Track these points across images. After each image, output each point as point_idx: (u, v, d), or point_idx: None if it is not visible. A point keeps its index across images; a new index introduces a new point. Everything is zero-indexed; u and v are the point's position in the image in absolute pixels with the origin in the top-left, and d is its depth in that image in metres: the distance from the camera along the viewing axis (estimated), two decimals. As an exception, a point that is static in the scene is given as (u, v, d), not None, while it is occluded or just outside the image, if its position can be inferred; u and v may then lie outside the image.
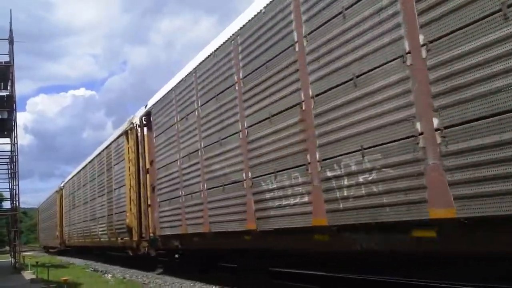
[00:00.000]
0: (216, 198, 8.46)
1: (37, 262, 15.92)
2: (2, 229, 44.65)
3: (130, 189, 13.69)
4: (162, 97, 11.26)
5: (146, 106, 12.59)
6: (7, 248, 34.69)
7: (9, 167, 20.01)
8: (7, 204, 23.34)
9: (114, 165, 15.75)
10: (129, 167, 13.82)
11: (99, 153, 18.58)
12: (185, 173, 9.86)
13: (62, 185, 29.33)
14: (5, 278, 14.36)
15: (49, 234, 36.37)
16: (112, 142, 16.09)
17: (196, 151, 9.31)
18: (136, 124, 13.22)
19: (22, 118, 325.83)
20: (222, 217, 8.29)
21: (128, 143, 13.94)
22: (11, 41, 18.44)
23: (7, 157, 19.81)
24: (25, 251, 28.57)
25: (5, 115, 18.96)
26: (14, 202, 19.01)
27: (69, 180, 26.67)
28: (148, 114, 12.34)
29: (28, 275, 14.26)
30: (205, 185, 8.86)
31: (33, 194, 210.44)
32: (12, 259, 19.10)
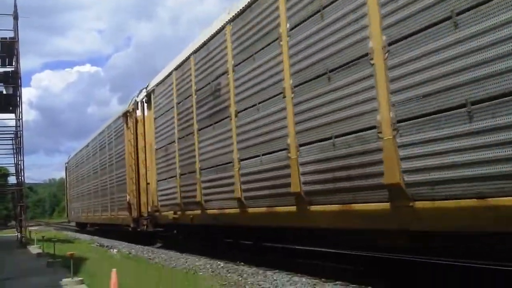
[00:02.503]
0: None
1: (43, 237, 16.09)
2: (8, 204, 45.18)
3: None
4: None
5: None
6: (13, 223, 35.01)
7: (14, 143, 20.10)
8: (12, 180, 23.52)
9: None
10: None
11: None
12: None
13: (141, 95, 14.13)
14: (11, 252, 14.55)
15: (97, 203, 21.88)
16: None
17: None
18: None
19: (27, 94, 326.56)
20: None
21: None
22: (15, 17, 18.33)
23: (12, 132, 19.90)
24: (31, 226, 28.85)
25: (10, 91, 18.96)
26: (20, 177, 19.19)
27: (183, 63, 10.96)
28: None
29: (34, 249, 14.43)
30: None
31: (38, 169, 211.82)
32: (18, 233, 19.33)
